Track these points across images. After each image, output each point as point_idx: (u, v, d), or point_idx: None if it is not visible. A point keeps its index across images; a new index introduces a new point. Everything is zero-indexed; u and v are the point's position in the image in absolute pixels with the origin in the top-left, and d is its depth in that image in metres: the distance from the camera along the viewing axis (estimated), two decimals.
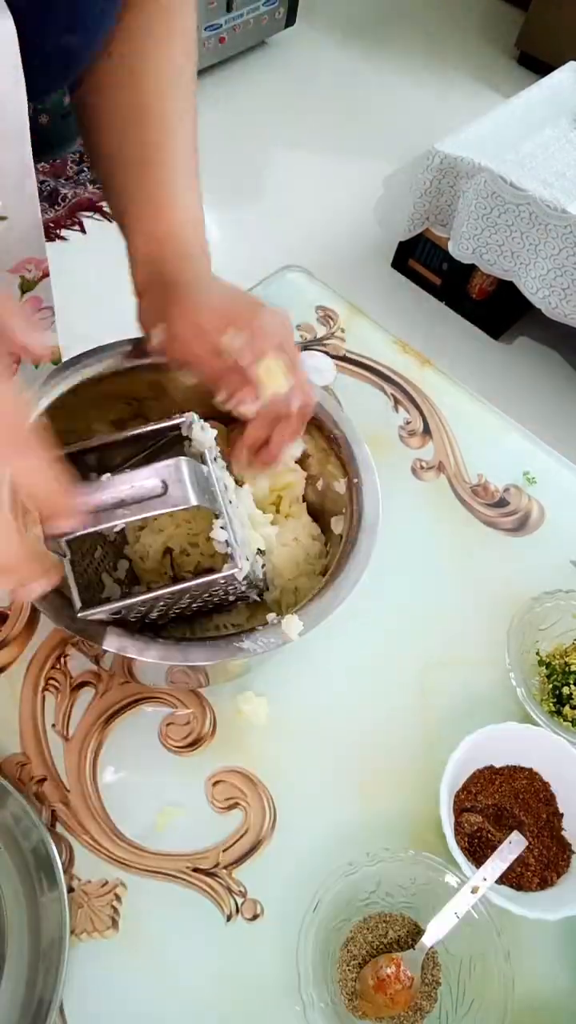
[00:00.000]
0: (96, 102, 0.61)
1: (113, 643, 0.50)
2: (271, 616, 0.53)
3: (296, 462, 0.67)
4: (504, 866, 0.55)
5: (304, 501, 0.67)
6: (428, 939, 0.53)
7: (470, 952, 0.54)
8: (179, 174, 0.60)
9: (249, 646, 0.51)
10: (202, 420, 0.55)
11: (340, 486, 0.63)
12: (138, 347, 0.62)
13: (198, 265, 0.58)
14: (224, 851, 0.58)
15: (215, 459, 0.54)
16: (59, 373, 0.60)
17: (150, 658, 0.50)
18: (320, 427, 0.64)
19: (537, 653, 0.68)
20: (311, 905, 0.54)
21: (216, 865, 0.58)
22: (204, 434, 0.54)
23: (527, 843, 0.57)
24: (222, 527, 0.50)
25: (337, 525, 0.63)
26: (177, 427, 0.54)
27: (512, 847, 0.56)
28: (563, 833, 0.60)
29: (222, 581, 0.50)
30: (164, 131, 0.59)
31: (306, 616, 0.53)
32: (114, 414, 0.66)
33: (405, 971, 0.52)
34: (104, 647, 0.50)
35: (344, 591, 0.55)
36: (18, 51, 0.53)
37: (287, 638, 0.52)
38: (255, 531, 0.60)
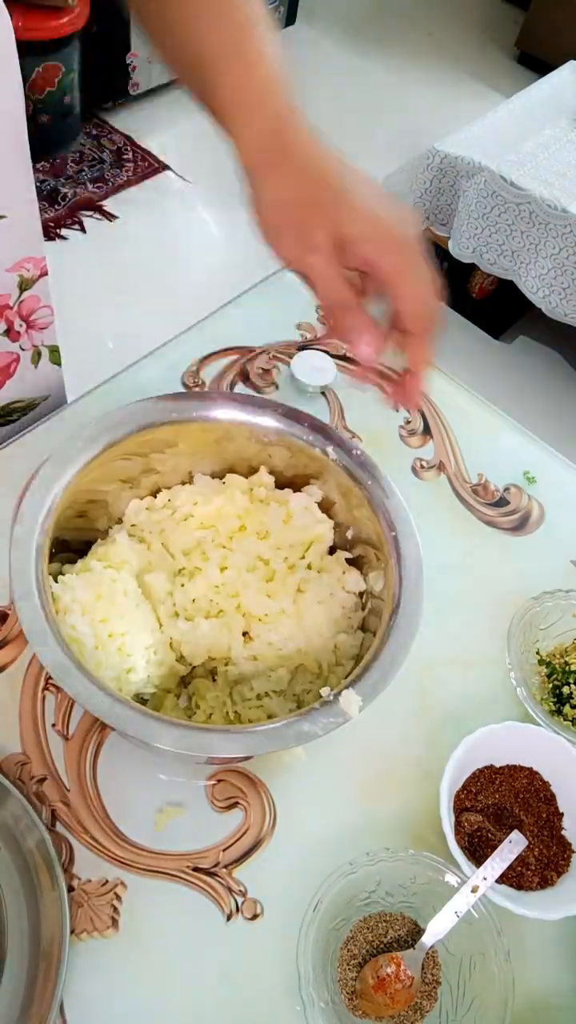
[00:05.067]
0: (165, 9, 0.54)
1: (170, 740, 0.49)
2: (325, 691, 0.53)
3: (322, 511, 0.66)
4: (504, 865, 0.55)
5: (333, 552, 0.66)
6: (428, 938, 0.53)
7: (470, 951, 0.54)
8: (271, 45, 0.52)
9: (310, 728, 0.51)
10: None
11: (373, 534, 0.61)
12: (156, 402, 0.62)
13: (321, 141, 0.50)
14: (224, 851, 0.58)
15: None
16: (83, 444, 0.59)
17: (203, 751, 0.50)
18: (340, 467, 0.63)
19: (537, 653, 0.68)
20: (311, 904, 0.54)
21: (216, 865, 0.58)
22: None
23: (527, 842, 0.57)
24: None
25: (376, 581, 0.62)
26: None
27: (512, 846, 0.56)
28: (563, 833, 0.60)
29: None
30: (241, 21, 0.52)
31: (362, 689, 0.53)
32: (124, 472, 0.65)
33: (405, 970, 0.52)
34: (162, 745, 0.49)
35: (399, 658, 0.54)
36: (15, 49, 0.53)
37: (347, 716, 0.51)
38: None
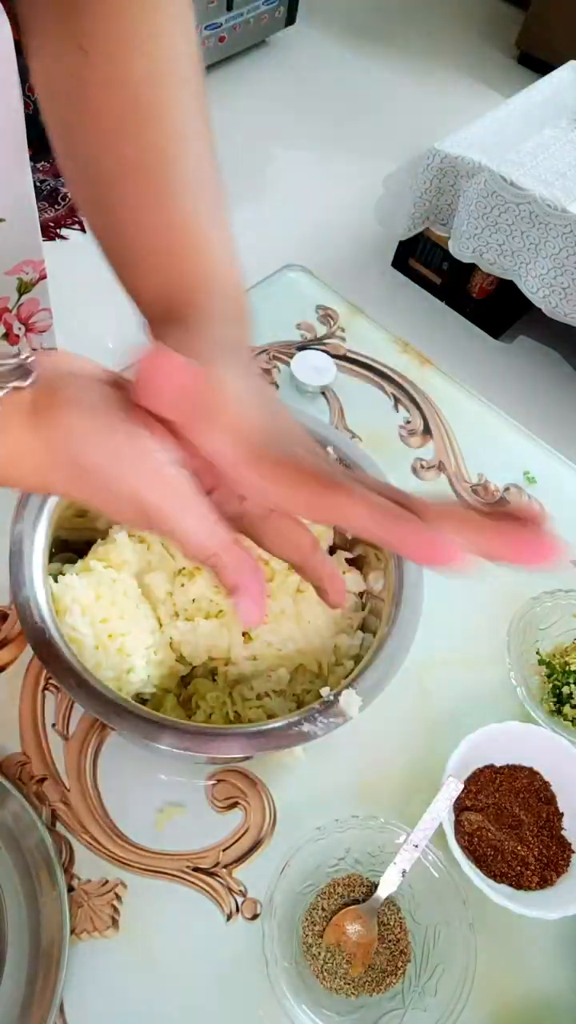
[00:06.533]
0: (73, 114, 0.45)
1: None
2: (325, 691, 0.53)
3: None
4: (434, 820, 0.55)
5: (333, 552, 0.66)
6: (382, 891, 0.54)
7: (436, 921, 0.55)
8: (193, 184, 0.46)
9: (310, 729, 0.51)
10: None
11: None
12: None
13: (229, 332, 0.44)
14: (224, 851, 0.58)
15: None
16: None
17: (204, 751, 0.50)
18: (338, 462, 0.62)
19: (537, 653, 0.68)
20: (279, 867, 0.54)
21: (216, 865, 0.58)
22: None
23: (462, 786, 0.57)
24: None
25: (376, 581, 0.62)
26: None
27: (447, 791, 0.56)
28: (563, 833, 0.60)
29: None
30: (167, 133, 0.45)
31: (363, 689, 0.53)
32: None
33: (361, 929, 0.53)
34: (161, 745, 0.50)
35: (399, 658, 0.54)
36: (13, 49, 0.53)
37: (347, 716, 0.52)
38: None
